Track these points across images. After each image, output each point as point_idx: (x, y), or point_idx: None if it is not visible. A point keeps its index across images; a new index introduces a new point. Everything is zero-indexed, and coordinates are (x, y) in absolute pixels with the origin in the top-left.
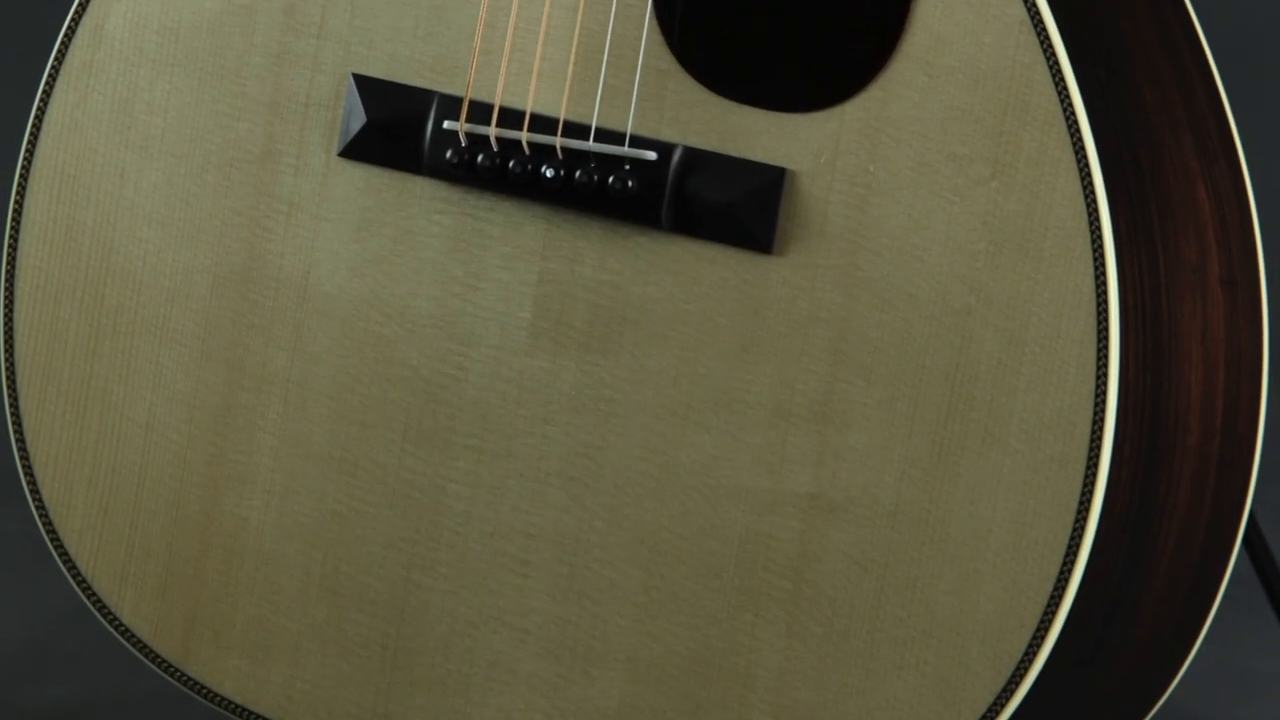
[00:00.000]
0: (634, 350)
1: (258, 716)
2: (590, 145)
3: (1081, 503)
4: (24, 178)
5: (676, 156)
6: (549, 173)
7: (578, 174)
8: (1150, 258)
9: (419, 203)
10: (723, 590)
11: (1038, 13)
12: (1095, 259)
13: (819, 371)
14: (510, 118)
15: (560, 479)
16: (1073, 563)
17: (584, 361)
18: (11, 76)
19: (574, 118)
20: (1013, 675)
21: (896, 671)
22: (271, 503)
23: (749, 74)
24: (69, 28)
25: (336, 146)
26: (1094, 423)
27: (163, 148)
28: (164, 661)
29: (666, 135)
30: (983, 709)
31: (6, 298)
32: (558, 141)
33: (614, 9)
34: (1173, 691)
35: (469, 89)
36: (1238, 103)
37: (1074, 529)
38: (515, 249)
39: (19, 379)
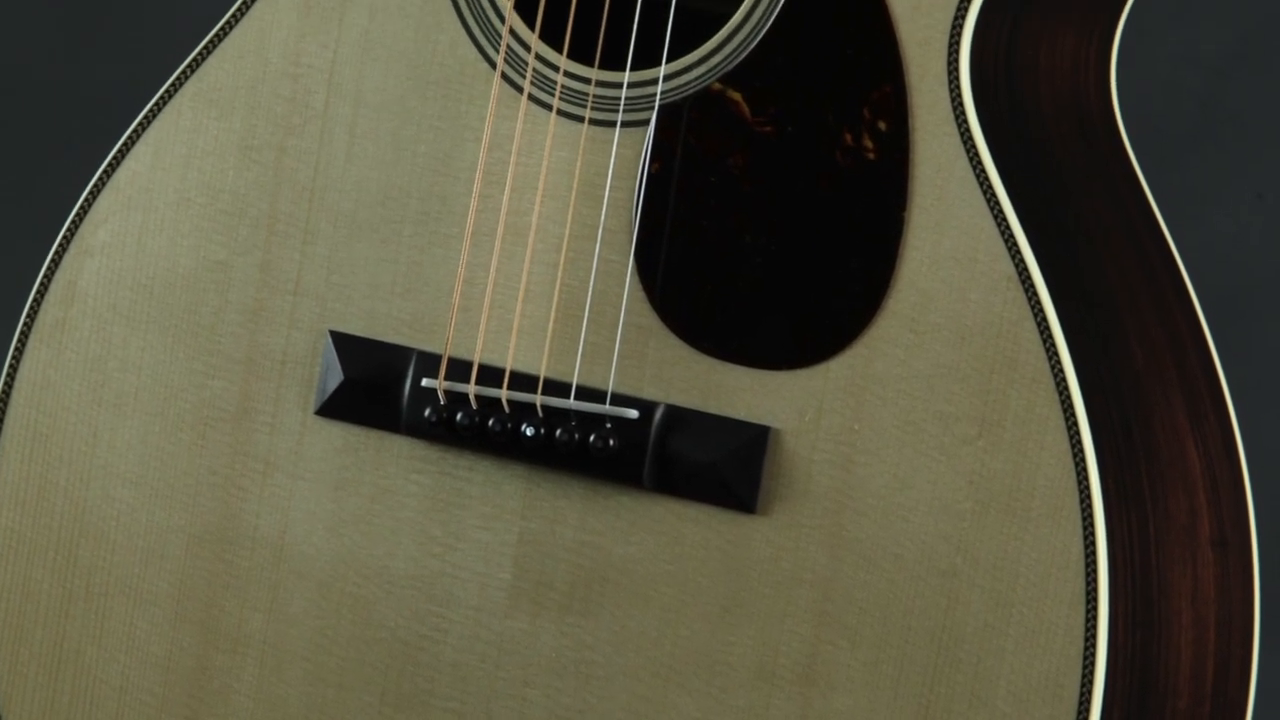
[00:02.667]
0: (615, 611)
1: None
2: (571, 404)
3: None
4: None
5: (658, 415)
6: (529, 431)
7: (558, 433)
8: (1140, 517)
9: (397, 461)
10: None
11: (1026, 269)
12: (1084, 519)
13: (803, 633)
14: (490, 375)
15: None
16: None
17: (564, 623)
18: None
19: (554, 375)
20: None
21: None
22: None
23: (732, 331)
24: (41, 284)
25: (313, 404)
26: (1083, 685)
27: (137, 406)
28: None
29: (648, 393)
30: None
31: None
32: (538, 400)
33: (595, 266)
34: None
35: (448, 346)
36: (1228, 358)
37: None
38: (495, 509)
39: None
